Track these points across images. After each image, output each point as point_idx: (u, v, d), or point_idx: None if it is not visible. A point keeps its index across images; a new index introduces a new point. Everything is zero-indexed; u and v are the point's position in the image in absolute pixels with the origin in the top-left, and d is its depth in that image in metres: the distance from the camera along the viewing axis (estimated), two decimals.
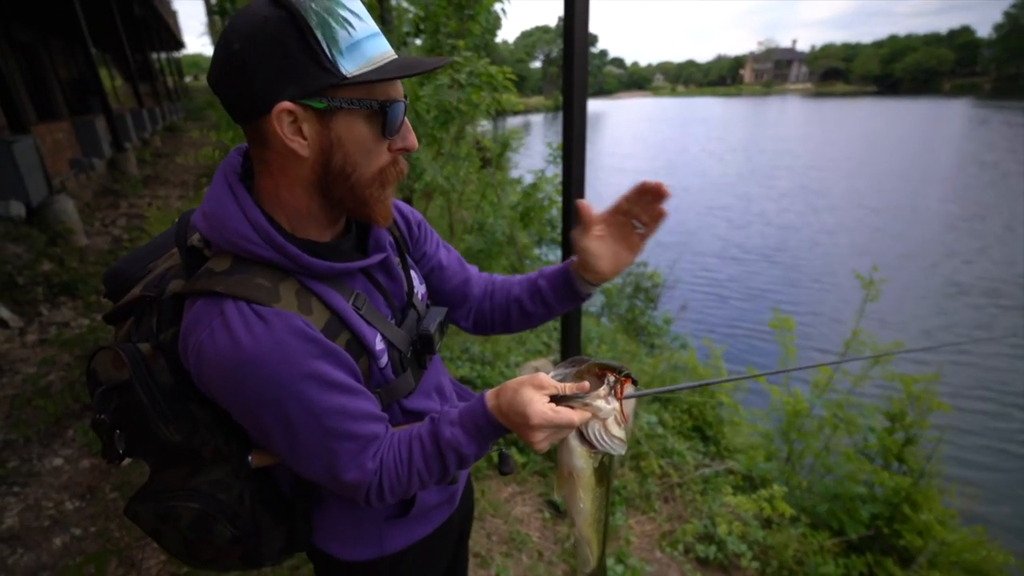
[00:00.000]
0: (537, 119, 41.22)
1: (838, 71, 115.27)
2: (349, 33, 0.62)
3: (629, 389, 0.77)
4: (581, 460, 0.79)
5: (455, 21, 3.83)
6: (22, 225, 5.28)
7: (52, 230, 5.50)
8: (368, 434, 0.73)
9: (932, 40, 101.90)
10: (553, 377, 0.76)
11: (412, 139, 0.73)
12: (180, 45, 23.21)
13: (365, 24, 0.65)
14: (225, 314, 0.64)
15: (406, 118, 0.71)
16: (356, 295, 0.76)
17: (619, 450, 0.77)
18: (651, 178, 0.80)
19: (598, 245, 0.87)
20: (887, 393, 2.83)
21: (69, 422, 3.02)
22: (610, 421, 0.75)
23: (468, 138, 4.91)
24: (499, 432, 0.76)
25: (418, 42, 4.03)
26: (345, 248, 0.78)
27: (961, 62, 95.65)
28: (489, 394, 0.77)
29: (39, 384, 3.34)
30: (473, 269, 1.05)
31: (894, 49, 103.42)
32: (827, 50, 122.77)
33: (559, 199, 4.40)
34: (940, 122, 35.77)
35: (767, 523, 2.48)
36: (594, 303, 5.86)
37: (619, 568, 2.17)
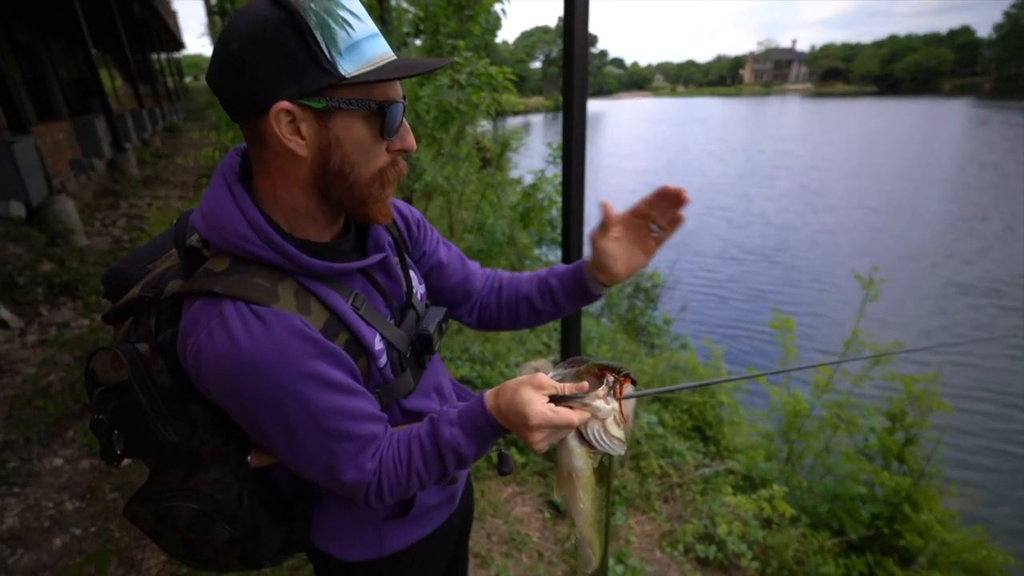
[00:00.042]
0: (537, 119, 41.22)
1: (838, 71, 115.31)
2: (348, 34, 0.63)
3: (628, 389, 0.77)
4: (580, 460, 0.79)
5: (455, 21, 3.83)
6: (22, 225, 5.28)
7: (52, 230, 5.50)
8: (367, 434, 0.73)
9: (932, 40, 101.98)
10: (552, 377, 0.76)
11: (410, 140, 0.73)
12: (180, 45, 23.22)
13: (364, 25, 0.65)
14: (223, 314, 0.64)
15: (405, 119, 0.71)
16: (355, 295, 0.76)
17: (618, 450, 0.77)
18: (664, 181, 0.80)
19: (615, 246, 0.88)
20: (887, 393, 2.83)
21: (69, 422, 3.02)
22: (609, 421, 0.75)
23: (468, 138, 4.91)
24: (498, 432, 0.76)
25: (418, 43, 4.03)
26: (344, 248, 0.78)
27: (961, 62, 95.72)
28: (488, 394, 0.77)
29: (39, 384, 3.34)
30: (474, 265, 1.05)
31: (894, 49, 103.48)
32: (827, 50, 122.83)
33: (559, 199, 4.40)
34: (940, 122, 35.78)
35: (767, 523, 2.48)
36: (594, 303, 5.85)
37: (619, 568, 2.17)
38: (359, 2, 0.66)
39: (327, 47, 0.61)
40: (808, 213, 12.67)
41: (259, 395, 0.65)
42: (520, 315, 1.02)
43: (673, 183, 0.80)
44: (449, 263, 1.01)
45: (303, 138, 0.64)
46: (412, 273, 0.91)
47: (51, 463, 2.72)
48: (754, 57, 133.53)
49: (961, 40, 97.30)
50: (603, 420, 0.75)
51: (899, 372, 2.77)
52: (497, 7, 3.92)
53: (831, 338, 6.31)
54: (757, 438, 3.29)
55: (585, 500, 0.82)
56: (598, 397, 0.75)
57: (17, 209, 5.30)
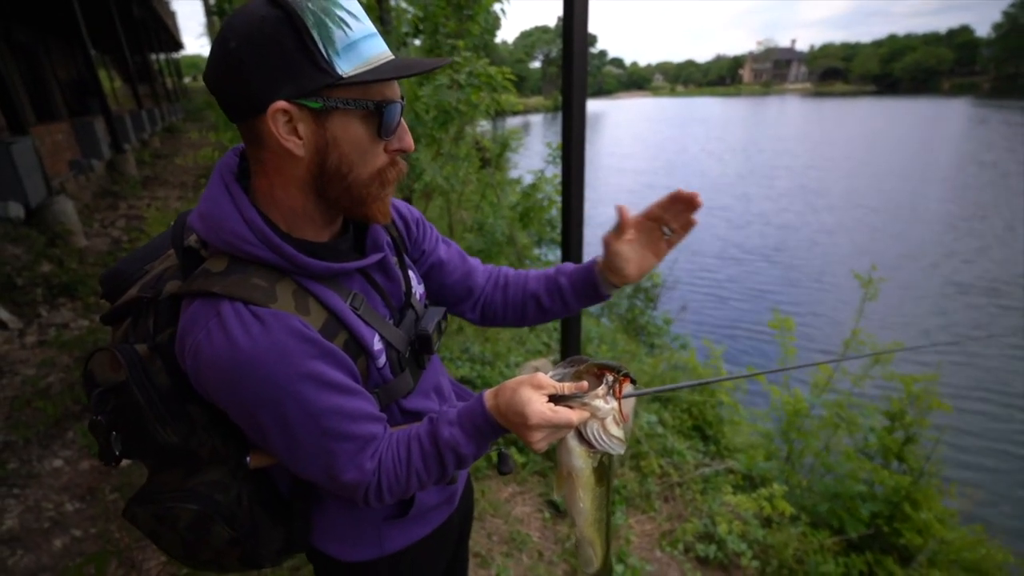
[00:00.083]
0: (536, 119, 41.20)
1: (837, 71, 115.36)
2: (346, 33, 0.62)
3: (627, 388, 0.77)
4: (580, 460, 0.79)
5: (454, 21, 3.82)
6: (21, 226, 5.27)
7: (51, 231, 5.50)
8: (366, 434, 0.73)
9: (931, 40, 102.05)
10: (552, 377, 0.76)
11: (408, 140, 0.73)
12: (179, 46, 23.22)
13: (362, 24, 0.65)
14: (222, 315, 0.64)
15: (403, 119, 0.71)
16: (354, 295, 0.76)
17: (618, 450, 0.77)
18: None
19: (628, 248, 0.89)
20: (887, 393, 2.83)
21: (69, 424, 3.02)
22: (609, 421, 0.75)
23: (467, 138, 4.90)
24: (498, 432, 0.76)
25: (417, 43, 4.03)
26: (342, 248, 0.78)
27: (960, 61, 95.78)
28: (488, 394, 0.77)
29: (38, 385, 3.34)
30: (475, 261, 1.05)
31: (893, 49, 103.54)
32: (826, 50, 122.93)
33: (558, 199, 4.40)
34: (939, 122, 35.80)
35: (767, 522, 2.48)
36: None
37: (619, 567, 2.17)
38: (357, 2, 0.66)
39: (324, 47, 0.61)
40: (807, 213, 12.68)
41: (258, 395, 0.64)
42: (527, 313, 1.03)
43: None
44: (449, 260, 1.01)
45: (300, 138, 0.64)
46: (411, 273, 0.91)
47: (51, 464, 2.71)
48: (753, 57, 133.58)
49: (960, 40, 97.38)
50: (603, 419, 0.75)
51: (898, 371, 2.77)
52: (496, 7, 3.92)
53: (831, 338, 6.31)
54: (757, 437, 3.30)
55: (585, 499, 0.82)
56: (597, 396, 0.75)
57: (16, 210, 5.29)
